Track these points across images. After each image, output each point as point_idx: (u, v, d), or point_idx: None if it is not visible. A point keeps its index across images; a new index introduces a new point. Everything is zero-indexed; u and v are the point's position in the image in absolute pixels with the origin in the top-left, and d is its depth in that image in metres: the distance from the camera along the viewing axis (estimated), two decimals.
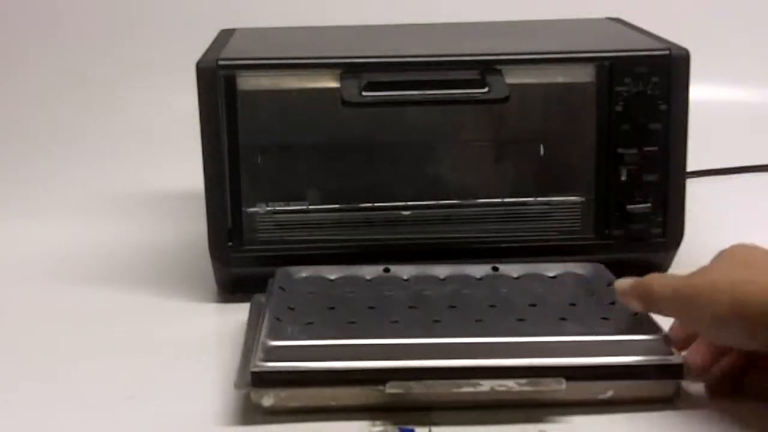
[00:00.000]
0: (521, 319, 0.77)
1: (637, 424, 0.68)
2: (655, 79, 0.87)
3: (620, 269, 0.80)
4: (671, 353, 0.70)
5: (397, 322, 0.76)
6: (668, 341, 0.70)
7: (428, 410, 0.69)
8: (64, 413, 0.72)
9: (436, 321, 0.76)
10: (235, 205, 0.88)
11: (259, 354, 0.69)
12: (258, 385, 0.69)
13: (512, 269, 0.85)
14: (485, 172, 0.99)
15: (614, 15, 1.12)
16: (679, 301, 0.67)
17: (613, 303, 0.77)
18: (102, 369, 0.78)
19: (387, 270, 0.85)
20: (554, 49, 0.92)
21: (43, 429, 0.71)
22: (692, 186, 0.92)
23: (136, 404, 0.73)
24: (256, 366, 0.69)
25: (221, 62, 0.86)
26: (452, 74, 0.86)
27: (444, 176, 0.97)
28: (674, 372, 0.69)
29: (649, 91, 0.87)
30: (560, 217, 0.92)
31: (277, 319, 0.75)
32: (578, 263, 0.86)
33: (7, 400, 0.74)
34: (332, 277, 0.85)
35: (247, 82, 0.88)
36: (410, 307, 0.79)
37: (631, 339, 0.71)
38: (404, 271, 0.85)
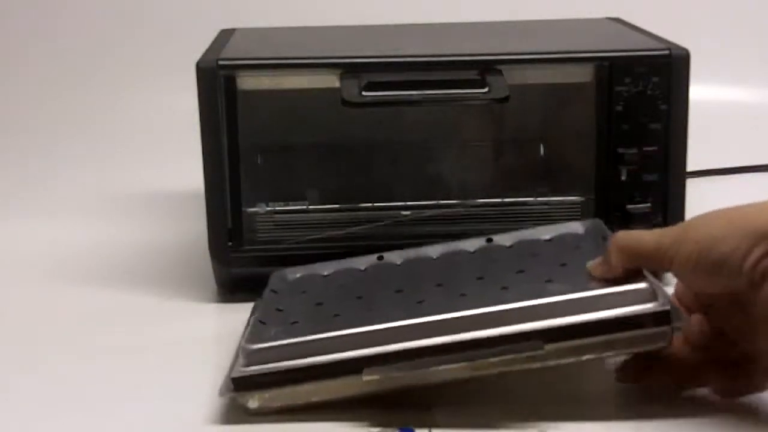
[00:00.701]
0: (505, 288, 0.73)
1: (642, 428, 0.68)
2: (655, 79, 0.87)
3: None
4: (655, 300, 0.67)
5: (379, 308, 0.74)
6: (654, 290, 0.67)
7: (429, 409, 0.69)
8: (64, 413, 0.72)
9: (420, 302, 0.74)
10: (235, 205, 0.88)
11: (241, 360, 0.70)
12: (240, 389, 0.69)
13: (506, 238, 0.83)
14: (485, 172, 0.99)
15: (614, 15, 1.13)
16: (659, 246, 0.67)
17: None
18: (101, 369, 0.78)
19: (380, 258, 0.84)
20: (554, 49, 0.92)
21: (43, 428, 0.71)
22: (692, 186, 0.92)
23: (136, 404, 0.73)
24: (237, 371, 0.69)
25: (221, 62, 0.86)
26: (452, 74, 0.86)
27: (444, 176, 0.97)
28: (659, 319, 0.66)
29: (649, 91, 0.87)
30: (560, 217, 0.92)
31: (262, 322, 0.75)
32: (576, 222, 0.84)
33: (6, 399, 0.74)
34: (326, 272, 0.84)
35: (247, 82, 0.88)
36: (396, 291, 0.77)
37: (611, 292, 0.68)
38: (397, 256, 0.84)
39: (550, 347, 0.66)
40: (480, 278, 0.77)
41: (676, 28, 0.96)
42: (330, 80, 0.87)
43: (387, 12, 1.38)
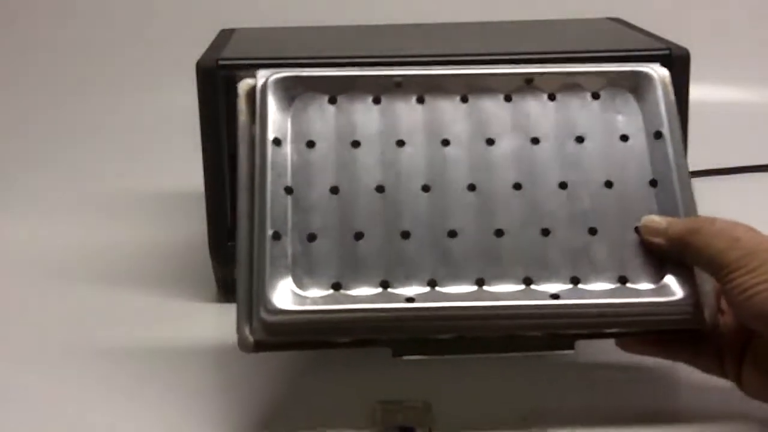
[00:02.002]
0: (546, 231, 0.70)
1: (645, 429, 0.68)
2: None
3: None
4: (696, 312, 0.66)
5: (408, 234, 0.69)
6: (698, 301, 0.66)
7: (429, 409, 0.69)
8: (64, 412, 0.72)
9: (452, 235, 0.69)
10: (235, 206, 0.88)
11: (261, 317, 0.66)
12: (260, 350, 0.66)
13: (548, 83, 0.76)
14: None
15: (614, 15, 1.13)
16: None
17: (654, 183, 0.72)
18: (101, 369, 0.78)
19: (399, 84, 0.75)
20: (554, 49, 0.92)
21: (43, 428, 0.71)
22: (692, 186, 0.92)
23: (136, 404, 0.73)
24: (258, 333, 0.66)
25: (221, 62, 0.86)
26: None
27: None
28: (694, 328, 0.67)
29: None
30: None
31: (276, 237, 0.68)
32: (639, 64, 0.77)
33: (6, 399, 0.74)
34: (335, 96, 0.74)
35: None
36: (423, 189, 0.71)
37: (655, 302, 0.67)
38: (417, 86, 0.75)
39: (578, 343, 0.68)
40: (518, 186, 0.71)
41: (676, 28, 0.96)
42: None
43: (387, 12, 1.38)
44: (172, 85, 1.32)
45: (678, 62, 0.87)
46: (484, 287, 0.68)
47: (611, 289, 0.67)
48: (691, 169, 0.91)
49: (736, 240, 0.63)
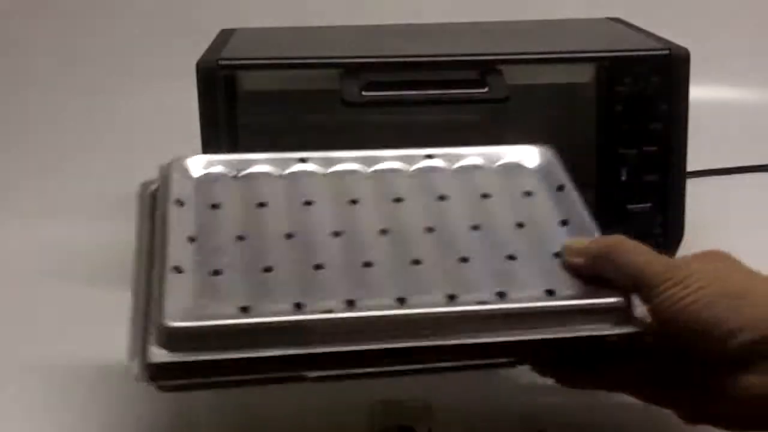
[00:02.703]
0: (464, 259, 0.66)
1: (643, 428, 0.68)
2: (655, 79, 0.87)
3: None
4: (629, 323, 0.61)
5: (319, 268, 0.64)
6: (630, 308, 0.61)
7: (429, 409, 0.69)
8: (63, 413, 0.72)
9: (367, 264, 0.65)
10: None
11: (156, 337, 0.58)
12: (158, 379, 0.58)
13: (446, 157, 0.76)
14: None
15: (614, 15, 1.13)
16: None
17: (565, 222, 0.70)
18: (100, 368, 0.78)
19: (303, 160, 0.75)
20: (554, 49, 0.92)
21: (45, 429, 0.71)
22: (692, 186, 0.92)
23: (136, 403, 0.73)
24: (155, 355, 0.57)
25: (221, 62, 0.86)
26: (452, 74, 0.87)
27: None
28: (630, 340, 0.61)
29: (649, 91, 0.87)
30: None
31: (178, 270, 0.63)
32: (525, 147, 0.78)
33: (6, 398, 0.74)
34: (237, 172, 0.74)
35: (248, 82, 0.88)
36: (334, 234, 0.67)
37: (585, 305, 0.61)
38: (321, 161, 0.75)
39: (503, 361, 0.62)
40: (430, 230, 0.69)
41: (676, 28, 0.96)
42: (330, 80, 0.87)
43: (387, 12, 1.38)
44: (172, 85, 1.32)
45: (678, 62, 0.87)
46: (406, 303, 0.62)
47: (539, 297, 0.63)
48: (691, 169, 0.92)
49: (657, 255, 0.61)
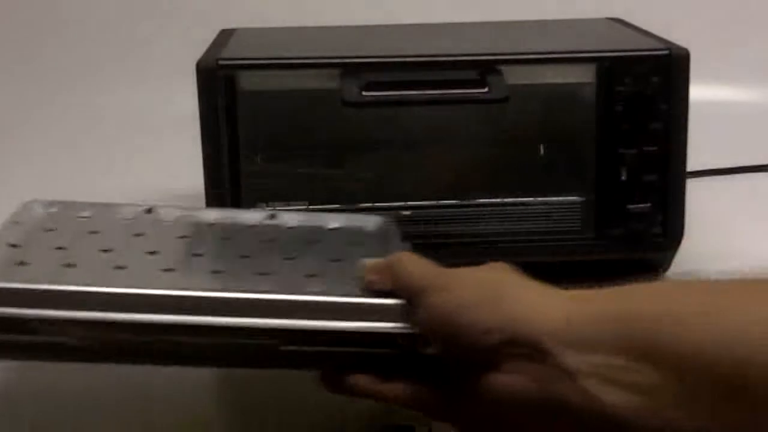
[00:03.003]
0: (264, 273, 0.69)
1: None
2: (655, 79, 0.87)
3: (620, 269, 0.80)
4: (407, 321, 0.62)
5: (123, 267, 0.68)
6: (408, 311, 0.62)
7: None
8: (64, 413, 0.72)
9: (168, 270, 0.68)
10: (235, 205, 0.88)
11: None
12: None
13: (293, 218, 0.79)
14: (485, 171, 0.99)
15: (614, 15, 1.13)
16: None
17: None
18: (100, 368, 0.78)
19: (149, 212, 0.81)
20: (554, 49, 0.92)
21: (47, 428, 0.71)
22: (692, 186, 0.92)
23: (137, 404, 0.73)
24: None
25: (221, 62, 0.86)
26: (452, 74, 0.87)
27: (444, 176, 0.97)
28: (398, 341, 0.62)
29: (649, 91, 0.87)
30: (560, 217, 0.92)
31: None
32: (374, 216, 0.80)
33: (7, 398, 0.74)
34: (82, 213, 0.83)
35: (248, 82, 0.88)
36: (150, 253, 0.72)
37: (363, 302, 0.63)
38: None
39: (286, 349, 0.62)
40: (245, 257, 0.71)
41: (676, 28, 0.96)
42: (330, 80, 0.87)
43: (387, 12, 1.38)
44: (172, 85, 1.32)
45: (678, 62, 0.87)
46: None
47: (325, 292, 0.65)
48: (691, 169, 0.92)
49: (433, 266, 0.63)
